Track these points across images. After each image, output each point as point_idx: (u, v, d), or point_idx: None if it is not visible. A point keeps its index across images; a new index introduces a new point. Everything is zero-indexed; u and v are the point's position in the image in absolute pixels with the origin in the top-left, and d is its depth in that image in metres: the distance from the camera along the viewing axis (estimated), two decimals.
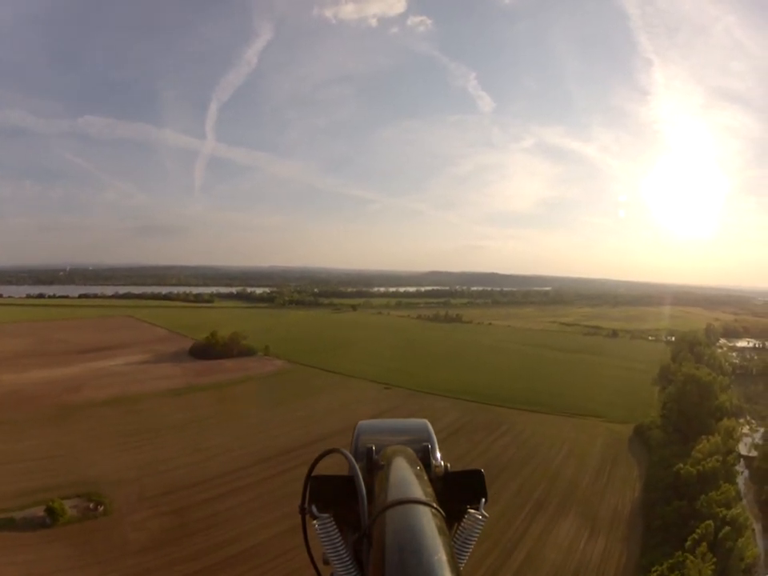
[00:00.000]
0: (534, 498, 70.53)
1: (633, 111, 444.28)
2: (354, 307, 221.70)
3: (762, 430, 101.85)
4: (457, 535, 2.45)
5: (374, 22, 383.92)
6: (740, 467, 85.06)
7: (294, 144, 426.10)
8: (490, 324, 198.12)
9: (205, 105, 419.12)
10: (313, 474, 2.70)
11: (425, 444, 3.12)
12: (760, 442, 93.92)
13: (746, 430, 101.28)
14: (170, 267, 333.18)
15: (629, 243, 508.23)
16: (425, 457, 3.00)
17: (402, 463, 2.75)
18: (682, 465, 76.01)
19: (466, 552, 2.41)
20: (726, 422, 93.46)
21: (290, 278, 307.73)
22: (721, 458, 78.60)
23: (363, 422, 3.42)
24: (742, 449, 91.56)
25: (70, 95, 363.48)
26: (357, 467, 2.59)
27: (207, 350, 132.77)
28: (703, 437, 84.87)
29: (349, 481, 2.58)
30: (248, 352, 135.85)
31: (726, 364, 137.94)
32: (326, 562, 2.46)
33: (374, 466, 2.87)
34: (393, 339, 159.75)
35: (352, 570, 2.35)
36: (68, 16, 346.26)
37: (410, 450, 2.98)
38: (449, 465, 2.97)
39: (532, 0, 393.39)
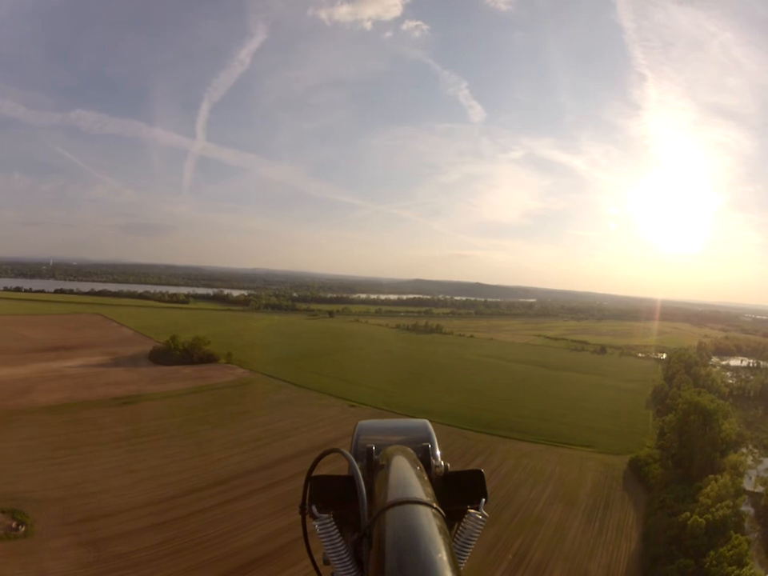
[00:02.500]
0: (513, 552, 57.54)
1: (624, 125, 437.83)
2: (330, 313, 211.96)
3: (766, 461, 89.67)
4: (457, 535, 2.43)
5: (368, 25, 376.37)
6: (745, 506, 71.59)
7: (283, 147, 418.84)
8: (471, 336, 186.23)
9: (196, 104, 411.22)
10: (313, 474, 2.69)
11: (425, 444, 3.08)
12: (766, 476, 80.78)
13: (748, 460, 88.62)
14: (153, 266, 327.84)
15: (614, 257, 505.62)
16: (425, 457, 2.97)
17: (402, 463, 2.73)
18: (688, 513, 62.54)
19: (467, 552, 2.40)
20: (732, 456, 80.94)
21: (273, 282, 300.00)
22: (731, 504, 65.24)
23: (363, 422, 3.42)
24: (747, 483, 78.89)
25: (63, 89, 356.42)
26: (357, 467, 2.59)
27: (167, 355, 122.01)
28: (710, 476, 71.81)
29: (349, 481, 2.59)
30: (209, 358, 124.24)
31: (723, 386, 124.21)
32: (327, 562, 2.47)
33: (374, 465, 2.86)
34: (366, 350, 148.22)
35: (352, 570, 2.37)
36: (63, 10, 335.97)
37: (409, 450, 2.95)
38: (449, 465, 2.95)
39: (528, 10, 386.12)
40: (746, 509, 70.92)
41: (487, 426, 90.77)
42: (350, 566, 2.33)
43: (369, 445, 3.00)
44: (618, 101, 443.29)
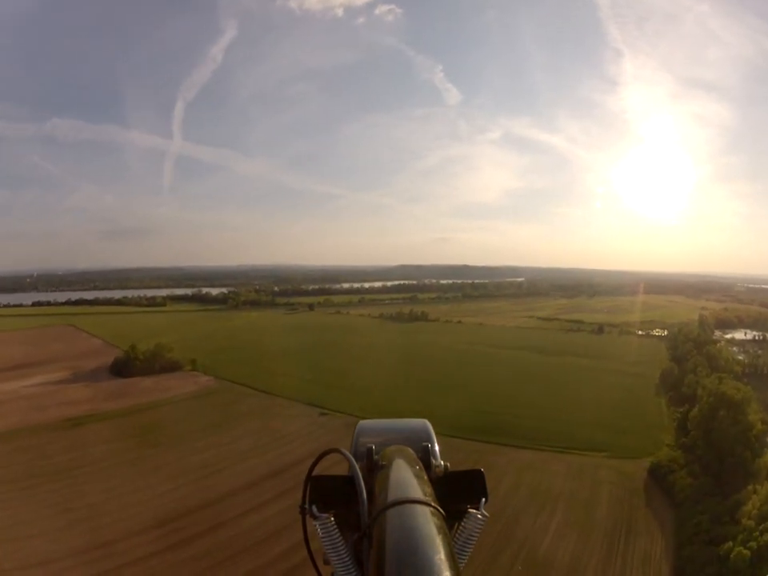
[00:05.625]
0: None
1: (601, 101, 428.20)
2: (311, 306, 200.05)
3: None
4: (457, 535, 2.37)
5: (339, 12, 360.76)
6: None
7: (260, 141, 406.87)
8: (459, 322, 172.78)
9: (171, 104, 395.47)
10: (313, 474, 2.63)
11: (425, 444, 3.02)
12: None
13: None
14: (137, 270, 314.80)
15: (600, 232, 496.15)
16: (425, 457, 2.91)
17: (401, 463, 2.69)
18: (731, 543, 49.27)
19: (467, 552, 2.35)
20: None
21: (256, 277, 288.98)
22: None
23: (363, 422, 3.36)
24: None
25: (37, 99, 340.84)
26: (357, 467, 2.55)
27: (127, 366, 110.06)
28: (749, 488, 58.58)
29: (349, 481, 2.55)
30: (173, 366, 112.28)
31: (735, 364, 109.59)
32: (327, 562, 2.42)
33: (374, 465, 2.82)
34: (343, 345, 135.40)
35: (352, 569, 2.32)
36: (31, 18, 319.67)
37: (409, 450, 2.92)
38: (449, 465, 2.88)
39: None
40: None
41: (481, 431, 77.49)
42: (350, 566, 2.26)
43: (369, 445, 2.92)
44: (595, 77, 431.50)
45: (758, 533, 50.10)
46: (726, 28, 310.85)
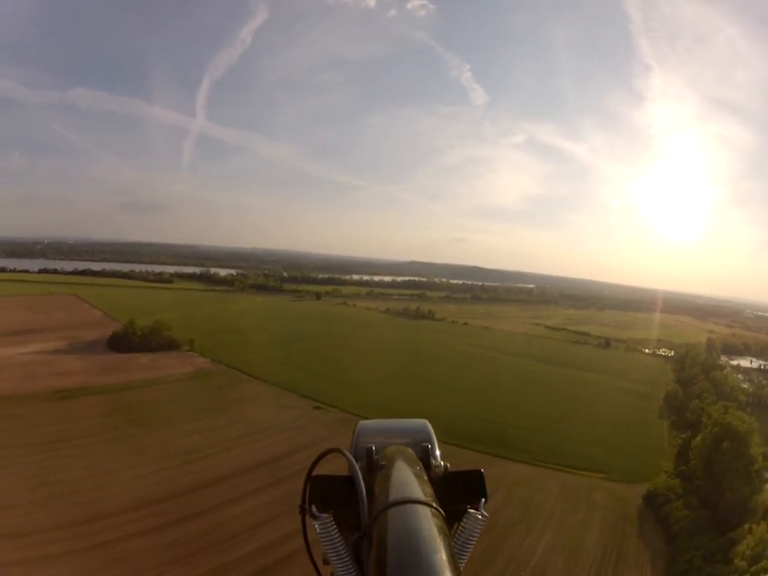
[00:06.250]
0: None
1: (627, 115, 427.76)
2: (318, 295, 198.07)
3: None
4: (457, 535, 2.38)
5: (371, 3, 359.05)
6: None
7: (283, 127, 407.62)
8: (465, 323, 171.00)
9: (196, 82, 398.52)
10: (313, 474, 2.66)
11: (425, 444, 3.03)
12: None
13: None
14: (151, 244, 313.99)
15: (615, 245, 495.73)
16: (425, 457, 2.92)
17: (401, 463, 2.68)
18: None
19: (466, 552, 2.35)
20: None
21: (268, 261, 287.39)
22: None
23: (363, 422, 3.36)
24: None
25: (61, 67, 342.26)
26: (357, 467, 2.55)
27: (125, 341, 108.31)
28: (745, 526, 55.84)
29: (349, 481, 2.56)
30: (170, 345, 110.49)
31: (740, 393, 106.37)
32: (326, 562, 2.44)
33: (374, 466, 2.82)
34: (347, 337, 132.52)
35: (352, 570, 2.33)
36: None
37: (409, 450, 2.92)
38: (449, 465, 2.90)
39: None
40: None
41: (477, 441, 74.31)
42: (350, 566, 2.26)
43: (369, 445, 2.91)
44: (622, 90, 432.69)
45: (748, 575, 48.03)
46: (755, 52, 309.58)
